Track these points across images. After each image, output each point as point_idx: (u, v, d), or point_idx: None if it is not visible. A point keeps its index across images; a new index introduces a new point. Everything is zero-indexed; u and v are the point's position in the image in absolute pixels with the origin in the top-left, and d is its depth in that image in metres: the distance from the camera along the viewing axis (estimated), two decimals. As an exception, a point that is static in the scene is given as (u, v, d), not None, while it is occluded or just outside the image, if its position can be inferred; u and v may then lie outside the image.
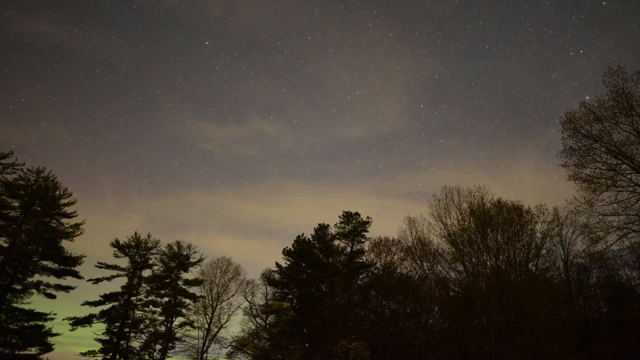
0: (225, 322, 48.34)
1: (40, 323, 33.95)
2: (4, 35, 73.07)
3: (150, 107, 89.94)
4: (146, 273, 43.61)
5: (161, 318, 42.84)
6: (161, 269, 44.67)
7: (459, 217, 33.82)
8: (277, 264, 43.48)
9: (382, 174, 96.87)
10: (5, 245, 32.86)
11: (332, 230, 43.52)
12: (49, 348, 34.08)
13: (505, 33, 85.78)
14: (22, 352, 32.93)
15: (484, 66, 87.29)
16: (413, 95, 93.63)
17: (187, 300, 44.43)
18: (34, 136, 78.23)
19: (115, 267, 41.74)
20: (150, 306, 42.36)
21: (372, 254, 42.31)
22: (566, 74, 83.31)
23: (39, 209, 34.99)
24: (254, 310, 48.91)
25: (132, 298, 41.65)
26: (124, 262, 42.74)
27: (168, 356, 42.58)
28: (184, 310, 44.04)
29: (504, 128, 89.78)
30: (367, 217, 42.73)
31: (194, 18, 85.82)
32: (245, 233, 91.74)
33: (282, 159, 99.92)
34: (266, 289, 48.82)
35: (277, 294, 45.21)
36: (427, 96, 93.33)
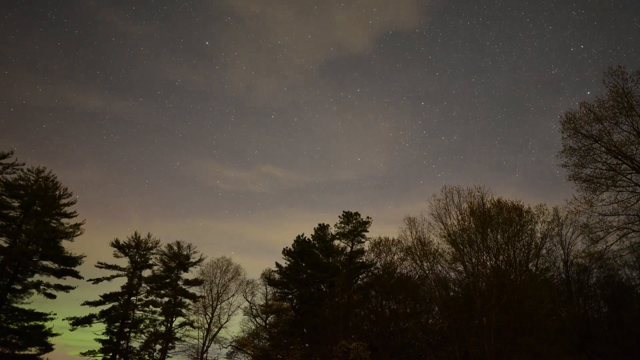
0: (225, 322, 48.40)
1: (40, 323, 33.96)
2: (4, 39, 73.16)
3: (152, 108, 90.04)
4: (146, 273, 43.69)
5: (161, 318, 42.84)
6: (161, 269, 44.67)
7: (459, 217, 33.86)
8: (277, 264, 43.49)
9: (384, 172, 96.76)
10: (5, 245, 32.87)
11: (332, 230, 43.55)
12: (49, 348, 34.09)
13: (505, 29, 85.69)
14: (22, 352, 32.94)
15: (484, 62, 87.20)
16: (414, 93, 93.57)
17: (187, 300, 44.44)
18: (35, 139, 78.30)
19: (115, 267, 41.74)
20: (150, 306, 42.37)
21: (372, 254, 42.36)
22: (567, 69, 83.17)
23: (39, 209, 34.98)
24: (254, 310, 48.93)
25: (132, 298, 41.64)
26: (124, 262, 42.81)
27: (168, 356, 42.59)
28: (184, 310, 44.06)
29: (505, 124, 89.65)
30: (367, 217, 42.75)
31: (193, 18, 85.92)
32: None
33: (283, 155, 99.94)
34: (266, 289, 48.87)
35: (277, 294, 45.20)
36: (427, 93, 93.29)
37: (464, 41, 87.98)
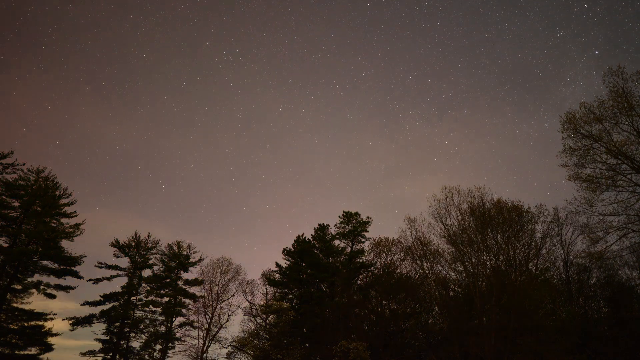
0: (225, 322, 48.27)
1: (40, 323, 33.99)
2: (8, 57, 73.18)
3: (160, 113, 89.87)
4: (146, 273, 43.64)
5: (161, 318, 42.82)
6: (161, 269, 44.66)
7: (459, 217, 33.91)
8: (277, 264, 43.50)
9: (397, 152, 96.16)
10: (5, 245, 32.90)
11: (332, 230, 43.64)
12: (49, 348, 34.12)
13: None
14: (22, 352, 32.96)
15: (487, 32, 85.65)
16: (419, 71, 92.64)
17: (187, 300, 44.43)
18: (51, 154, 78.15)
19: (115, 267, 41.76)
20: (150, 306, 42.34)
21: (372, 254, 42.37)
22: (572, 30, 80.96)
23: (39, 209, 35.01)
24: (254, 310, 48.85)
25: (132, 298, 41.64)
26: (124, 262, 42.79)
27: (168, 356, 42.53)
28: (184, 310, 44.04)
29: (514, 93, 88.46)
30: (367, 217, 42.84)
31: (192, 19, 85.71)
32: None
33: (292, 145, 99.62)
34: (266, 289, 48.78)
35: (277, 294, 45.20)
36: (433, 70, 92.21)
37: (465, 13, 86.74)
